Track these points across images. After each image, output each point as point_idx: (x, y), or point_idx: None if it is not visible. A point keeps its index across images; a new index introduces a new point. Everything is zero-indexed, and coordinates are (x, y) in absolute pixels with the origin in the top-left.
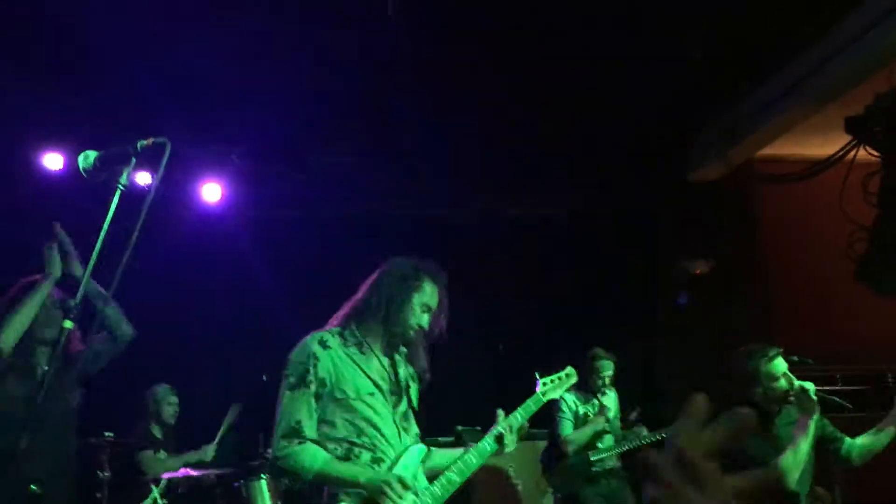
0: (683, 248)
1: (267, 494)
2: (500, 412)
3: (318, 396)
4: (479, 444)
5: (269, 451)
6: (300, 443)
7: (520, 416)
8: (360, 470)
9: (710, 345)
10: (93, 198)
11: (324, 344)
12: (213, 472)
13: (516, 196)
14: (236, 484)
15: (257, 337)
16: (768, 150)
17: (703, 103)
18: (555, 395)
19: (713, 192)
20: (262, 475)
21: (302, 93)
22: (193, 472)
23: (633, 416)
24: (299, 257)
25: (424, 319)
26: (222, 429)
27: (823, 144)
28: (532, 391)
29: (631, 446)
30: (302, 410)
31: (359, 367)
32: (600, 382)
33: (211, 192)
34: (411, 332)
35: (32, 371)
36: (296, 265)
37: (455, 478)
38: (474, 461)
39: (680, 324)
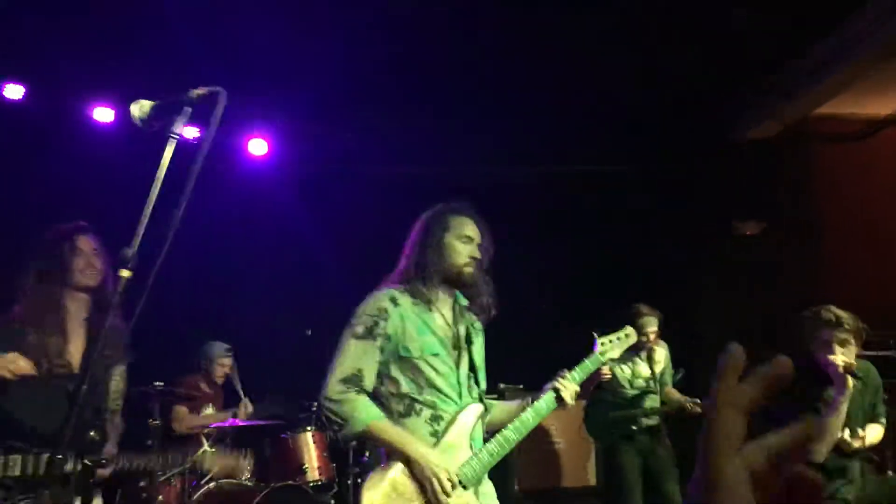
0: (736, 208)
1: (313, 446)
2: (565, 371)
3: (382, 350)
4: (537, 403)
5: (321, 392)
6: (357, 392)
7: (577, 374)
8: (410, 440)
9: (761, 307)
10: (143, 150)
11: (394, 301)
12: (260, 422)
13: (567, 154)
14: (283, 435)
15: (302, 291)
16: (824, 109)
17: (759, 61)
18: (613, 354)
19: (767, 150)
20: (309, 427)
21: (349, 49)
22: (241, 422)
23: (678, 377)
24: (344, 214)
25: (470, 250)
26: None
27: (881, 103)
28: (590, 350)
29: (669, 409)
30: (365, 360)
31: (427, 325)
32: (644, 339)
33: (257, 146)
34: (467, 269)
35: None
36: (340, 221)
37: (512, 436)
38: (531, 420)
39: (731, 285)
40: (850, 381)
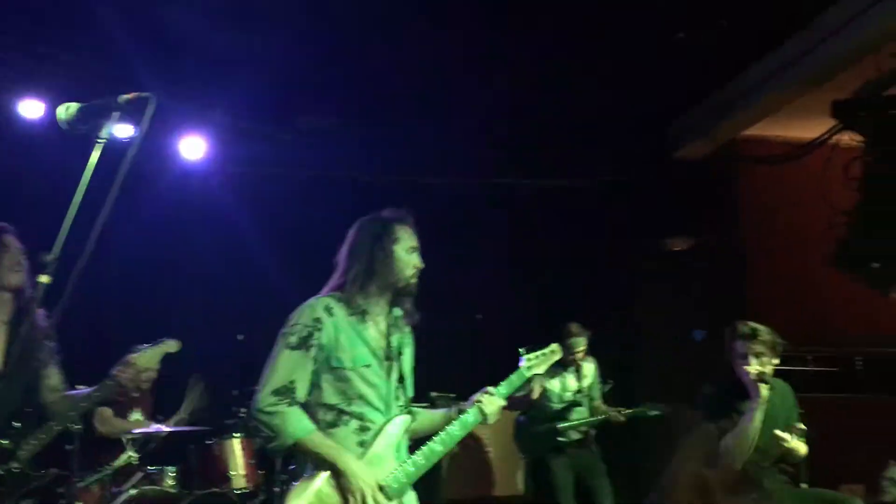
0: (664, 225)
1: (240, 453)
2: (490, 389)
3: (315, 361)
4: (463, 416)
5: (252, 404)
6: (289, 404)
7: (503, 389)
8: (340, 452)
9: (686, 322)
10: (72, 149)
11: (329, 310)
12: (186, 429)
13: (498, 168)
14: (209, 441)
15: (236, 296)
16: (753, 131)
17: (692, 82)
18: (539, 370)
19: (696, 170)
20: (236, 434)
21: (288, 52)
22: (166, 429)
23: (605, 389)
24: (281, 218)
25: (416, 259)
26: (188, 404)
27: (808, 127)
28: (515, 366)
29: (595, 421)
30: (298, 371)
31: (360, 336)
32: (572, 357)
33: (193, 147)
34: (413, 280)
35: None
36: (277, 226)
37: (438, 448)
38: (458, 432)
39: (658, 301)
40: (765, 389)
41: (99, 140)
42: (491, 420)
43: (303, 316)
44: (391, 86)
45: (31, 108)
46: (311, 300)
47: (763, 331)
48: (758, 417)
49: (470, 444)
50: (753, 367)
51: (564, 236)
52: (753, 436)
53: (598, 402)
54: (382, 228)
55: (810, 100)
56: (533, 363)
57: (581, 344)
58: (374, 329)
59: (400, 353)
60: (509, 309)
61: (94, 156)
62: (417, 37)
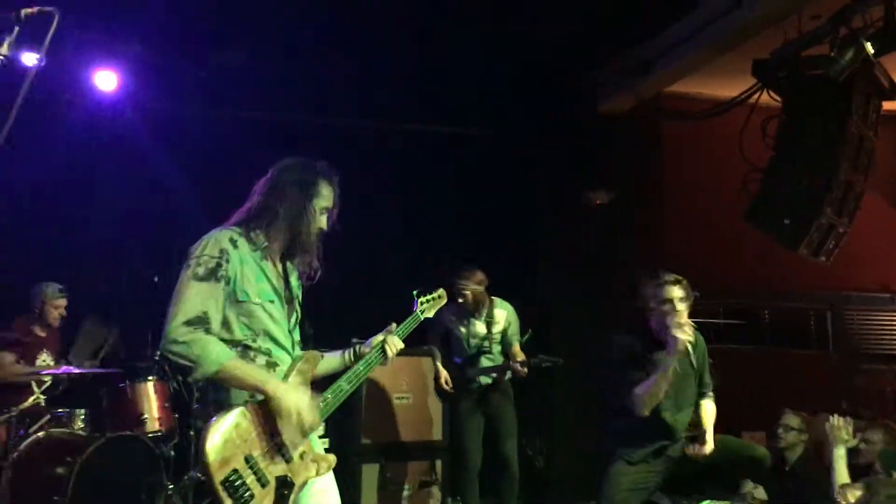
0: (586, 178)
1: (154, 396)
2: (393, 325)
3: (223, 293)
4: (367, 356)
5: (163, 337)
6: (206, 332)
7: (401, 332)
8: (268, 377)
9: (602, 273)
10: None
11: (234, 242)
12: (97, 371)
13: (418, 112)
14: (122, 384)
15: (149, 234)
16: (676, 87)
17: (616, 35)
18: (429, 314)
19: (619, 124)
20: (150, 377)
21: None
22: (76, 370)
23: (524, 339)
24: (195, 155)
25: (323, 221)
26: (84, 343)
27: (729, 86)
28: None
29: (496, 369)
30: (210, 302)
31: (263, 271)
32: (461, 299)
33: (105, 80)
34: (313, 238)
35: None
36: (193, 163)
37: (345, 386)
38: (362, 371)
39: (573, 253)
40: (686, 338)
41: None
42: (389, 360)
43: (208, 247)
44: (310, 22)
45: None
46: (215, 231)
47: (684, 281)
48: (671, 368)
49: (389, 389)
50: (682, 316)
51: (484, 187)
52: (665, 386)
53: (516, 349)
54: (308, 178)
55: (733, 59)
56: (425, 307)
57: (467, 287)
58: (274, 269)
59: (298, 296)
60: (419, 255)
61: None
62: None
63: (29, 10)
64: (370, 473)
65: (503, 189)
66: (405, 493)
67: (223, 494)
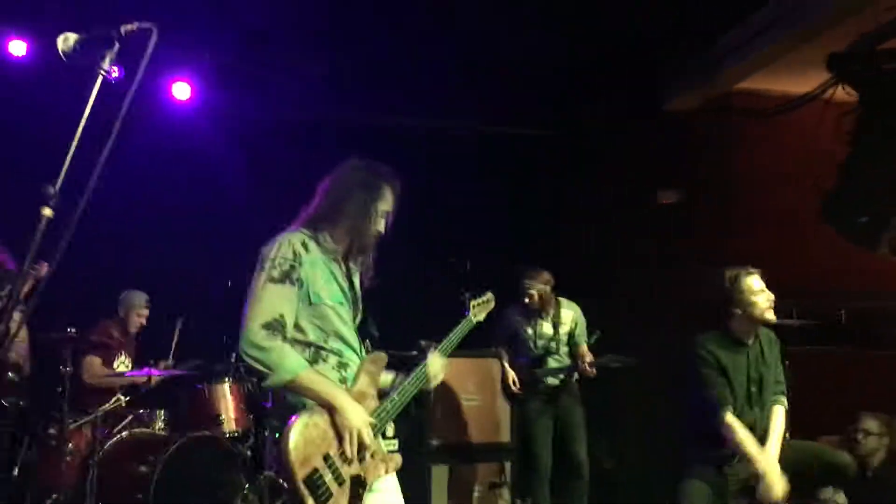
0: (655, 178)
1: (230, 397)
2: (433, 344)
3: (297, 296)
4: (416, 373)
5: (241, 340)
6: (283, 339)
7: (455, 337)
8: (337, 391)
9: (672, 273)
10: (58, 86)
11: (305, 245)
12: (176, 373)
13: (487, 113)
14: (199, 385)
15: (224, 242)
16: (746, 84)
17: (685, 33)
18: (481, 318)
19: (688, 122)
20: (226, 378)
21: None
22: (156, 373)
23: (593, 339)
24: (270, 163)
25: (382, 225)
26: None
27: (802, 81)
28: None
29: (564, 369)
30: (285, 305)
31: (332, 273)
32: (526, 299)
33: (181, 90)
34: (372, 240)
35: None
36: (266, 171)
37: (410, 388)
38: (410, 388)
39: (644, 254)
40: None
41: (100, 72)
42: (436, 380)
43: (281, 249)
44: (384, 30)
45: (16, 48)
46: (286, 234)
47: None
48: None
49: (457, 390)
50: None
51: (553, 186)
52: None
53: (584, 349)
54: (373, 181)
55: (806, 53)
56: (477, 310)
57: (533, 287)
58: (340, 270)
59: (360, 299)
60: (490, 257)
61: (96, 88)
62: None
63: (129, 27)
64: (440, 475)
65: (569, 190)
66: (475, 494)
67: (305, 492)
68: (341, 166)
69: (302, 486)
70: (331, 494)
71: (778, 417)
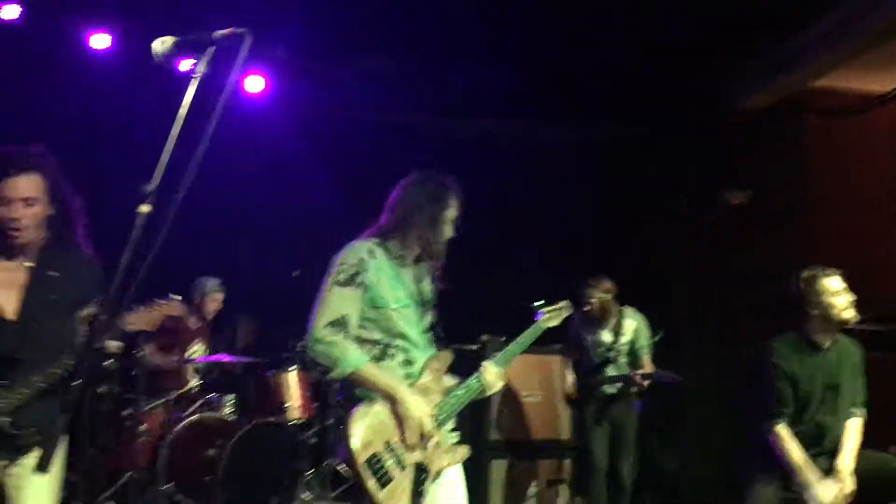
0: (724, 177)
1: (296, 385)
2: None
3: (361, 299)
4: (469, 381)
5: (308, 336)
6: (345, 336)
7: (522, 343)
8: (397, 383)
9: (742, 277)
10: (140, 82)
11: (371, 253)
12: (244, 359)
13: (553, 118)
14: (267, 373)
15: (293, 232)
16: (820, 82)
17: (758, 32)
18: (552, 323)
19: (760, 121)
20: (292, 366)
21: None
22: (226, 359)
23: (654, 339)
24: (340, 157)
25: (450, 233)
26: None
27: (879, 80)
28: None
29: (618, 379)
30: (349, 306)
31: (399, 279)
32: (588, 308)
33: (254, 83)
34: (443, 246)
35: None
36: (336, 164)
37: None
38: (462, 394)
39: (713, 256)
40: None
41: (194, 76)
42: (490, 389)
43: (349, 256)
44: (449, 26)
45: (99, 41)
46: (355, 242)
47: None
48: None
49: (517, 387)
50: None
51: (617, 189)
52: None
53: (644, 361)
54: (441, 193)
55: (883, 52)
56: (547, 317)
57: (593, 295)
58: (408, 276)
59: (430, 302)
60: (559, 259)
61: (191, 91)
62: None
63: (223, 32)
64: (499, 470)
65: (631, 192)
66: (533, 490)
67: (366, 474)
68: (407, 180)
69: (363, 468)
70: (391, 478)
71: (853, 429)
